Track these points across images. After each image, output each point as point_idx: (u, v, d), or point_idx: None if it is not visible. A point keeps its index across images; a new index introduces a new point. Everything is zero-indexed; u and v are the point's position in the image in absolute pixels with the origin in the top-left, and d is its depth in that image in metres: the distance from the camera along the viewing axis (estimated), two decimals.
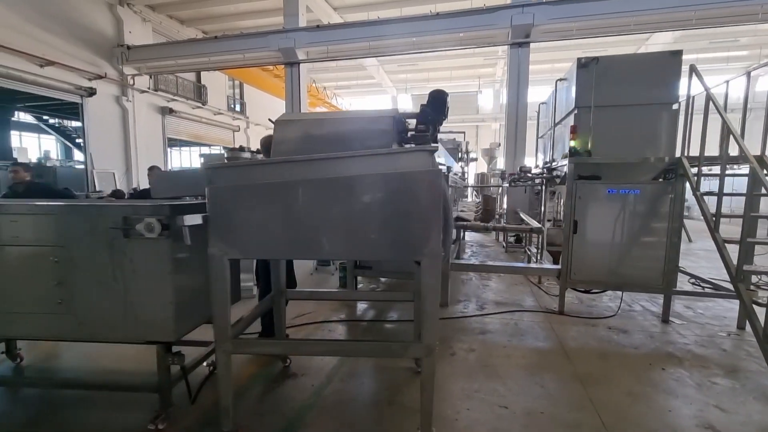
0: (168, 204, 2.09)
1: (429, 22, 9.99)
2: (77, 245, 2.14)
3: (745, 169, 3.58)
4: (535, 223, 5.97)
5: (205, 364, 2.74)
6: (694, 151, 3.90)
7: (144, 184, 11.37)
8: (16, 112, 13.06)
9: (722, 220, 3.56)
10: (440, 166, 4.07)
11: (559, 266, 4.54)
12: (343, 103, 24.33)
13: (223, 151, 11.11)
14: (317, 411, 2.53)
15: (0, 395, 2.75)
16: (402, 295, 4.02)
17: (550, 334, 3.83)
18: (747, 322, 3.26)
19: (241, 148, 6.55)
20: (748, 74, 3.93)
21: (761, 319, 2.97)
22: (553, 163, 5.66)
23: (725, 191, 3.51)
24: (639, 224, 4.12)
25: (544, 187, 6.16)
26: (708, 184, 3.79)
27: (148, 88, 13.51)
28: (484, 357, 3.33)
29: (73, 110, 11.61)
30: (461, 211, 6.43)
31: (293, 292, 3.32)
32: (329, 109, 19.34)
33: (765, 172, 3.33)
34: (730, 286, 3.70)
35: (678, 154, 4.15)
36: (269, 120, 2.67)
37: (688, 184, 3.87)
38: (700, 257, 7.63)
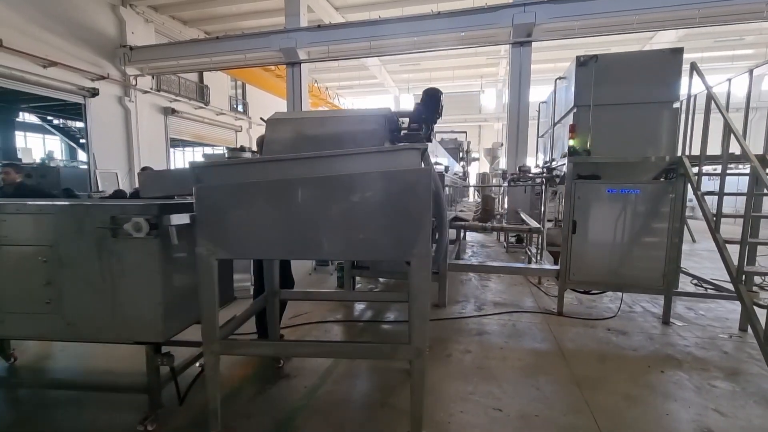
0: (156, 203, 2.08)
1: (430, 21, 9.96)
2: (65, 245, 2.12)
3: (747, 169, 3.52)
4: (534, 223, 5.92)
5: (197, 364, 2.72)
6: (696, 151, 3.85)
7: None
8: (20, 113, 13.16)
9: (727, 220, 3.50)
10: (437, 166, 4.04)
11: (558, 267, 4.49)
12: (346, 103, 24.36)
13: (224, 151, 11.13)
14: (308, 413, 2.50)
15: None
16: (397, 296, 3.99)
17: (548, 336, 3.79)
18: (749, 323, 3.20)
19: (242, 148, 6.55)
20: (751, 72, 3.86)
21: (762, 321, 2.91)
22: (553, 163, 5.60)
23: (730, 191, 3.46)
24: (639, 224, 4.07)
25: (544, 187, 6.10)
26: (713, 184, 3.72)
27: (151, 89, 13.58)
28: (480, 358, 3.29)
29: (77, 111, 11.67)
30: (461, 211, 6.39)
31: (287, 292, 3.30)
32: (331, 108, 19.35)
33: (767, 171, 3.27)
34: (732, 287, 3.63)
35: (679, 153, 4.10)
36: (261, 119, 2.65)
37: (689, 184, 3.81)
38: (703, 258, 7.54)
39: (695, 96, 4.22)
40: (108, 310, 2.13)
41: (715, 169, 4.15)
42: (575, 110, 4.27)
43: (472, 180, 13.34)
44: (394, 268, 4.70)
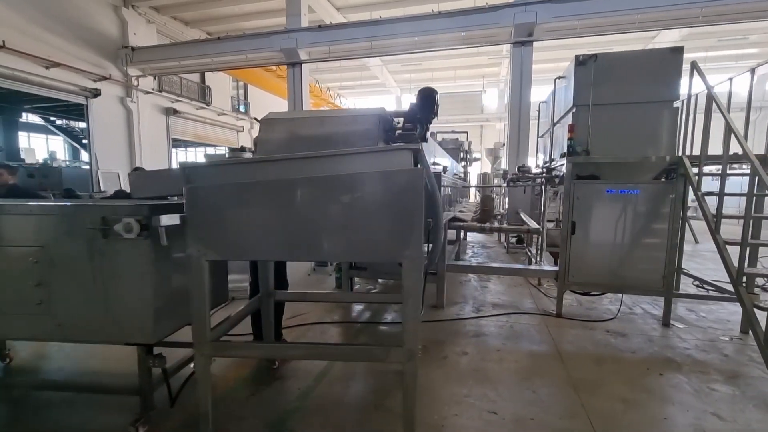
0: (147, 204, 2.07)
1: (431, 21, 9.93)
2: (56, 246, 2.12)
3: (749, 169, 3.48)
4: (533, 224, 5.88)
5: (191, 365, 2.70)
6: (697, 151, 3.80)
7: None
8: (24, 114, 13.24)
9: (731, 221, 3.46)
10: (435, 166, 4.01)
11: (557, 268, 4.45)
12: (348, 103, 24.36)
13: (226, 152, 11.15)
14: (301, 415, 2.49)
15: None
16: (393, 297, 3.96)
17: (546, 338, 3.75)
18: (749, 326, 3.15)
19: (242, 149, 6.54)
20: (753, 71, 3.82)
21: (763, 323, 2.87)
22: (553, 163, 5.57)
23: (733, 191, 3.41)
24: (639, 225, 4.02)
25: (543, 187, 6.06)
26: (717, 184, 3.66)
27: (153, 89, 13.63)
28: (476, 360, 3.26)
29: (79, 111, 11.73)
30: (460, 211, 6.35)
31: (283, 293, 3.28)
32: (332, 108, 19.34)
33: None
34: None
35: (679, 153, 4.05)
36: (255, 119, 2.64)
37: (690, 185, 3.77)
38: (706, 259, 7.47)
39: (696, 95, 4.18)
40: (99, 311, 2.12)
41: (718, 170, 4.08)
42: (574, 110, 4.23)
43: (473, 180, 13.30)
44: (393, 269, 4.67)
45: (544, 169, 5.91)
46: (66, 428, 2.36)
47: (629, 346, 3.57)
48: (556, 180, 5.54)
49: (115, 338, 2.16)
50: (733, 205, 3.35)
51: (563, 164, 4.33)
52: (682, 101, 4.12)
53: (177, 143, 15.86)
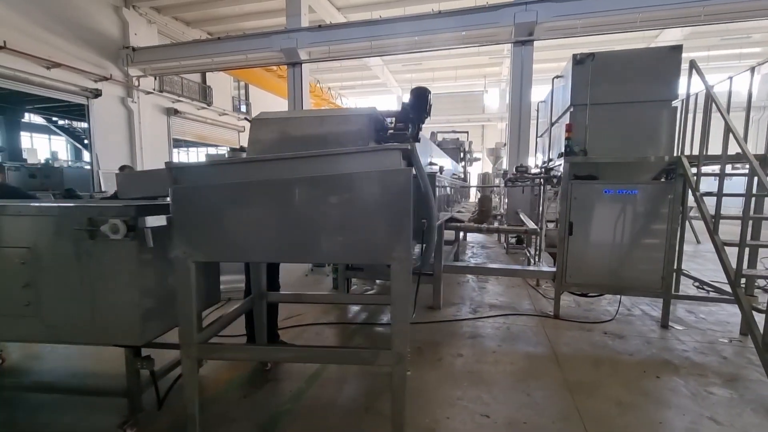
0: (133, 205, 2.05)
1: (431, 20, 9.90)
2: (44, 247, 2.10)
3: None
4: (532, 224, 5.84)
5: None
6: (696, 150, 3.75)
7: None
8: (26, 114, 13.29)
9: (733, 222, 3.41)
10: (431, 167, 3.98)
11: (555, 269, 4.41)
12: (348, 103, 24.32)
13: (227, 152, 11.15)
14: (292, 417, 2.47)
15: None
16: (387, 299, 3.91)
17: (543, 340, 3.71)
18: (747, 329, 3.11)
19: (242, 148, 6.54)
20: (752, 70, 3.77)
21: (761, 325, 2.83)
22: (551, 163, 5.52)
23: (735, 191, 3.36)
24: (637, 226, 3.98)
25: (542, 187, 6.02)
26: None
27: (154, 90, 13.65)
28: (471, 362, 3.23)
29: (80, 111, 11.77)
30: (459, 212, 6.31)
31: (277, 294, 3.26)
32: (329, 108, 19.31)
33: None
34: None
35: (678, 153, 4.01)
36: (246, 119, 2.62)
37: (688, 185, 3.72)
38: (707, 259, 7.39)
39: (696, 95, 4.13)
40: (86, 313, 2.10)
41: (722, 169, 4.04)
42: (572, 109, 4.19)
43: (474, 180, 13.24)
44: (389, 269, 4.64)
45: (543, 169, 5.86)
46: (55, 430, 2.35)
47: (627, 348, 3.53)
48: (555, 180, 5.50)
49: (103, 340, 2.15)
50: (735, 206, 3.29)
51: (561, 164, 4.29)
52: (681, 101, 4.07)
53: (178, 143, 15.90)
